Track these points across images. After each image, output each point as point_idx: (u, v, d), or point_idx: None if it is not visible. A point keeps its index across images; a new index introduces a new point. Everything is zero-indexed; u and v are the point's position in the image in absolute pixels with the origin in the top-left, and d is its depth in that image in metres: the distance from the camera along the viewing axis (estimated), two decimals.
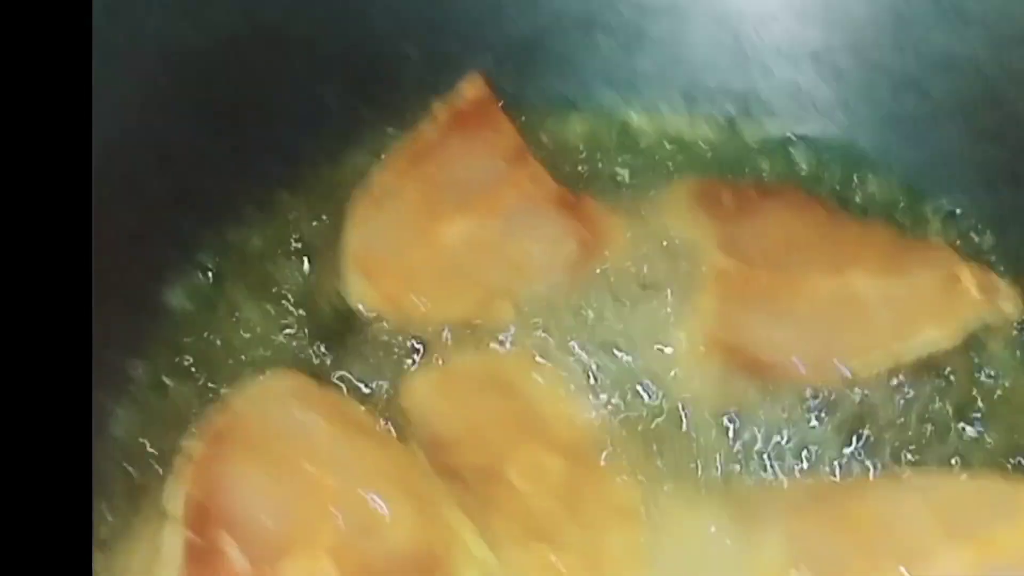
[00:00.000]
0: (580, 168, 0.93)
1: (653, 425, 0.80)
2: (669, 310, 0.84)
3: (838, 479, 0.77)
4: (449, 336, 0.83)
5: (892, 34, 0.93)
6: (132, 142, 0.84)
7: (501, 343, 0.83)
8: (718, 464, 0.78)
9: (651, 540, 0.74)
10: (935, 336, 0.81)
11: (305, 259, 0.88)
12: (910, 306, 0.82)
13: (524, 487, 0.75)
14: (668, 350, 0.83)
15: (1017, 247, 0.88)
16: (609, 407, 0.80)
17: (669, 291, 0.85)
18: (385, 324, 0.83)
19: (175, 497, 0.68)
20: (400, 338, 0.82)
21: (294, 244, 0.89)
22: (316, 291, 0.85)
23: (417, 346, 0.82)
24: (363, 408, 0.79)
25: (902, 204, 0.92)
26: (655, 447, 0.79)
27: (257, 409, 0.74)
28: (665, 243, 0.88)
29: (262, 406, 0.75)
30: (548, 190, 0.88)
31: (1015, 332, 0.83)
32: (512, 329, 0.83)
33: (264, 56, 0.90)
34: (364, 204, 0.86)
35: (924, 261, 0.84)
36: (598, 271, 0.86)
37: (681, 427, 0.79)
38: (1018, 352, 0.83)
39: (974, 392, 0.81)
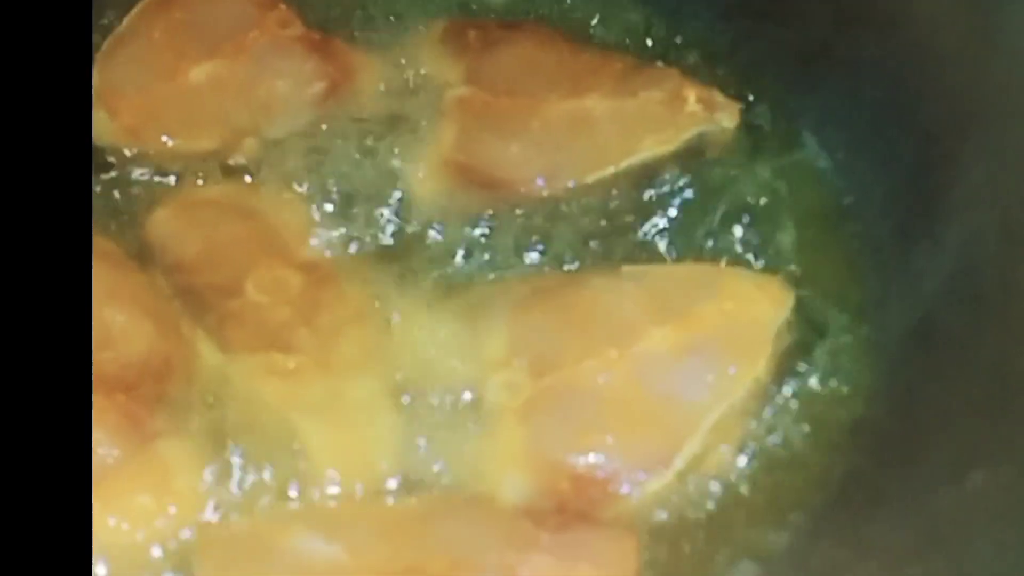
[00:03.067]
0: (331, 13, 0.95)
1: (392, 239, 0.84)
2: (412, 139, 0.88)
3: (556, 275, 0.82)
4: (194, 170, 0.85)
5: None
6: None
7: (249, 177, 0.86)
8: (449, 271, 0.82)
9: (383, 341, 0.78)
10: (655, 145, 0.86)
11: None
12: (637, 122, 0.87)
13: (261, 300, 0.79)
14: (410, 172, 0.86)
15: (743, 71, 0.93)
16: (352, 224, 0.84)
17: (413, 122, 0.89)
18: (128, 159, 0.85)
19: None
20: (144, 173, 0.85)
21: None
22: None
23: (162, 181, 0.85)
24: (108, 240, 0.81)
25: (640, 35, 0.97)
26: (394, 260, 0.83)
27: None
28: (412, 79, 0.91)
29: None
30: (296, 32, 0.91)
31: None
32: (258, 163, 0.86)
33: None
34: (110, 46, 0.88)
35: (652, 82, 0.89)
36: (346, 107, 0.89)
37: (417, 240, 0.83)
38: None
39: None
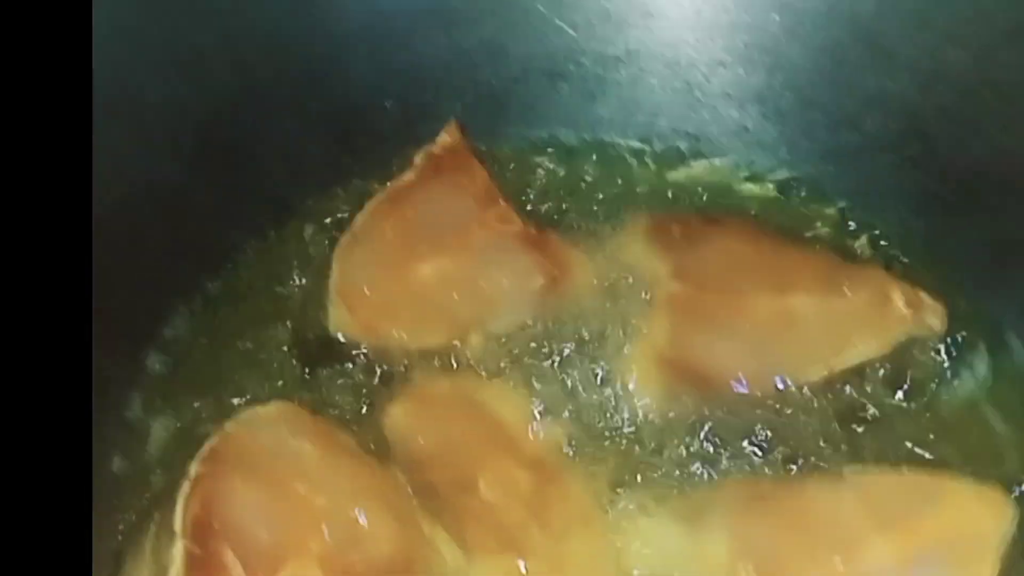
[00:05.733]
0: (544, 207, 1.01)
1: (608, 436, 0.87)
2: (625, 333, 0.92)
3: (777, 479, 0.84)
4: (423, 365, 0.90)
5: (829, 75, 1.01)
6: (135, 195, 0.93)
7: (473, 370, 0.91)
8: (668, 470, 0.85)
9: (607, 543, 0.82)
10: (866, 348, 0.89)
11: (294, 295, 0.96)
12: (845, 323, 0.90)
13: (495, 498, 0.83)
14: (624, 368, 0.90)
15: (941, 266, 0.96)
16: (571, 422, 0.88)
17: (625, 317, 0.93)
18: (365, 353, 0.91)
19: (178, 515, 0.76)
20: (379, 366, 0.90)
21: (282, 286, 0.97)
22: (304, 325, 0.93)
23: (394, 375, 0.90)
24: (347, 433, 0.86)
25: (842, 231, 1.00)
26: (611, 457, 0.86)
27: (253, 436, 0.82)
28: (622, 273, 0.96)
29: (257, 433, 0.83)
30: (515, 229, 0.96)
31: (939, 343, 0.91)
32: (482, 356, 0.91)
33: (253, 111, 0.99)
34: (347, 244, 0.94)
35: (858, 281, 0.92)
36: (562, 302, 0.94)
37: (632, 438, 0.87)
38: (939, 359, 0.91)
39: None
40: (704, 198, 1.04)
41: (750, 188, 1.04)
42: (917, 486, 0.82)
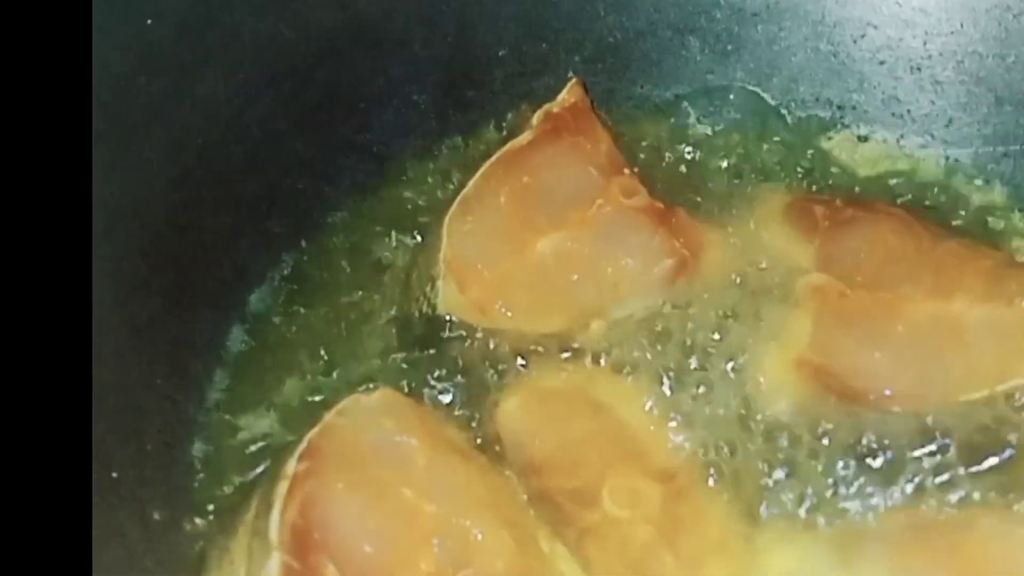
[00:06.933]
0: (670, 180, 0.91)
1: (743, 446, 0.78)
2: (760, 328, 0.82)
3: (939, 510, 0.75)
4: (539, 353, 0.81)
5: (996, 45, 0.91)
6: (225, 141, 0.84)
7: (594, 361, 0.81)
8: (816, 491, 0.76)
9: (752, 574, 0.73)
10: None
11: (395, 265, 0.87)
12: (1016, 337, 0.80)
13: (620, 514, 0.74)
14: (761, 367, 0.81)
15: None
16: (702, 427, 0.79)
17: (762, 307, 0.83)
18: (476, 336, 0.81)
19: (275, 522, 0.67)
20: (491, 353, 0.81)
21: (382, 251, 0.87)
22: (408, 301, 0.84)
23: (508, 362, 0.81)
24: (457, 429, 0.78)
25: (1004, 222, 0.90)
26: (751, 474, 0.77)
27: (357, 429, 0.73)
28: (759, 257, 0.86)
29: (362, 426, 0.73)
30: (642, 203, 0.86)
31: None
32: (606, 347, 0.82)
33: (357, 54, 0.89)
34: (458, 211, 0.84)
35: None
36: (693, 287, 0.84)
37: (772, 450, 0.78)
38: None
39: None
40: (849, 177, 0.93)
41: (902, 167, 0.93)
42: None
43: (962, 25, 0.92)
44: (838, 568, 0.73)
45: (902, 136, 0.95)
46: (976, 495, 0.76)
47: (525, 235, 0.84)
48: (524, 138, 0.88)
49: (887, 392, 0.79)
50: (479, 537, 0.71)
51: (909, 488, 0.77)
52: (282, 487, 0.69)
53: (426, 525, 0.70)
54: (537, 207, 0.85)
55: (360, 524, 0.69)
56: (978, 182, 0.93)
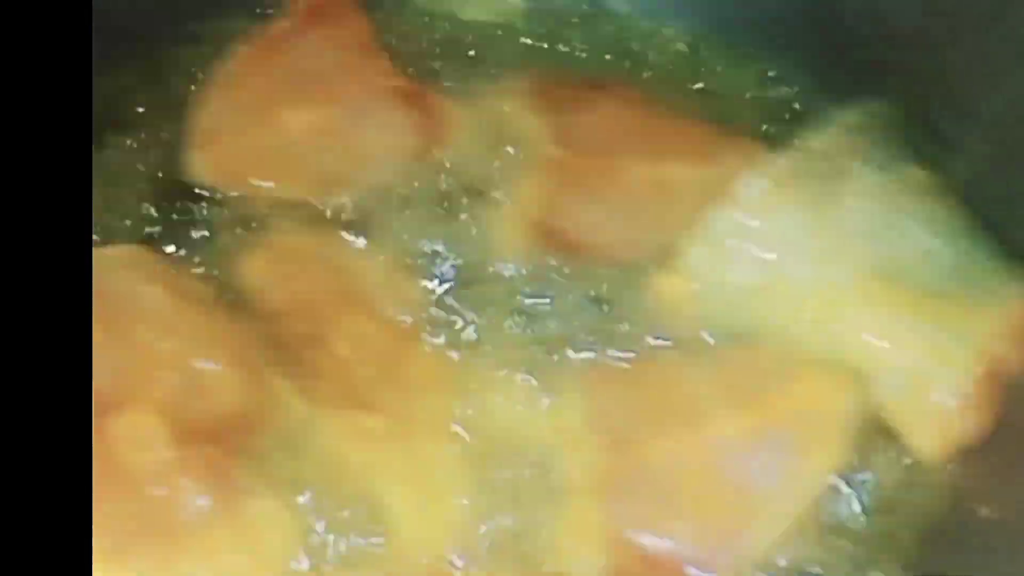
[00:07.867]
0: (425, 65, 0.97)
1: (473, 300, 0.86)
2: (498, 197, 0.90)
3: (635, 354, 0.83)
4: (285, 217, 0.87)
5: None
6: None
7: (338, 226, 0.88)
8: (527, 332, 0.84)
9: (461, 406, 0.80)
10: None
11: (152, 139, 0.91)
12: (719, 191, 0.88)
13: (346, 354, 0.81)
14: (496, 231, 0.88)
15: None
16: (435, 282, 0.86)
17: (501, 178, 0.90)
18: (225, 202, 0.87)
19: None
20: (239, 216, 0.87)
21: (140, 128, 0.92)
22: (161, 169, 0.89)
23: (253, 225, 0.87)
24: (201, 283, 0.84)
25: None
26: (473, 320, 0.85)
27: (97, 278, 0.78)
28: (501, 133, 0.93)
29: (103, 275, 0.79)
30: (392, 83, 0.93)
31: None
32: (350, 214, 0.88)
33: None
34: (210, 88, 0.90)
35: (734, 150, 0.90)
36: (437, 161, 0.91)
37: (498, 302, 0.85)
38: None
39: None
40: (598, 57, 0.99)
41: (651, 44, 1.00)
42: (770, 361, 0.81)
43: None
44: (538, 397, 0.81)
45: (655, 12, 1.00)
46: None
47: (275, 109, 0.90)
48: (282, 22, 0.94)
49: (608, 244, 0.88)
50: (212, 372, 0.77)
51: (614, 333, 0.84)
52: None
53: (159, 361, 0.77)
54: (290, 85, 0.92)
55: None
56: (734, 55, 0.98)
